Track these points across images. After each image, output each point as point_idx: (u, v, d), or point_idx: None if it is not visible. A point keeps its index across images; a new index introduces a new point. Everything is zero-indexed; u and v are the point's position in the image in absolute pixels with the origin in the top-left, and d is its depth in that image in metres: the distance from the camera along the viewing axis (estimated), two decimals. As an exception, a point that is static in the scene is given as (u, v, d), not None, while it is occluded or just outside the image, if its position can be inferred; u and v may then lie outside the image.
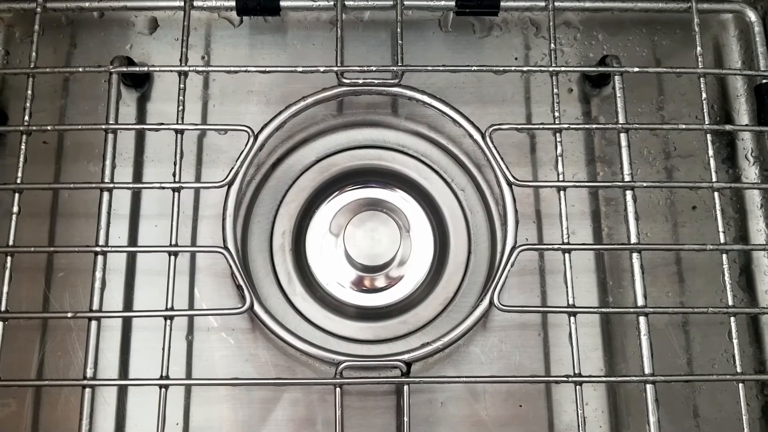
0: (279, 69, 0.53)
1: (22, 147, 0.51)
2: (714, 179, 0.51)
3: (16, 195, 0.50)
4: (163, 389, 0.48)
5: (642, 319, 0.49)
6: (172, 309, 0.49)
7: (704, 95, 0.52)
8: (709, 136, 0.52)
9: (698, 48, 0.53)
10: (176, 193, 0.51)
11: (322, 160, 0.59)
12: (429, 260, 0.58)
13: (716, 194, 0.51)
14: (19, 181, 0.50)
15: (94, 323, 0.49)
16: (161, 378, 0.48)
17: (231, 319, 0.55)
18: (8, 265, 0.49)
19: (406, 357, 0.49)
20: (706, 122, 0.52)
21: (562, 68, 0.53)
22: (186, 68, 0.53)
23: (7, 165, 0.57)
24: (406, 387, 0.48)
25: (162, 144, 0.57)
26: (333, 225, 0.58)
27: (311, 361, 0.54)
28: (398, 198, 0.59)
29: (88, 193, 0.53)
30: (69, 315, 0.49)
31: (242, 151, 0.52)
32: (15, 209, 0.50)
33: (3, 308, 0.48)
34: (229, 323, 0.55)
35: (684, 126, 0.53)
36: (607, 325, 0.56)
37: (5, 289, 0.49)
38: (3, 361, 0.49)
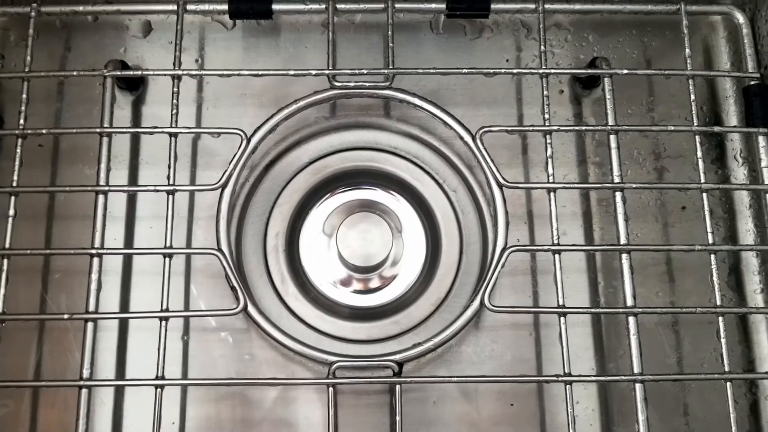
0: (271, 72, 0.54)
1: (18, 150, 0.51)
2: (703, 180, 0.52)
3: (12, 198, 0.51)
4: (158, 389, 0.48)
5: (631, 319, 0.50)
6: (167, 310, 0.50)
7: (693, 97, 0.53)
8: (698, 138, 0.53)
9: (687, 50, 0.54)
10: (170, 196, 0.51)
11: (314, 162, 0.59)
12: (421, 261, 0.59)
13: (705, 195, 0.52)
14: (15, 184, 0.51)
15: (90, 324, 0.50)
16: (157, 378, 0.48)
17: (226, 320, 0.55)
18: (5, 267, 0.50)
19: (398, 357, 0.50)
20: (695, 124, 0.53)
21: (552, 70, 0.54)
22: (179, 72, 0.53)
23: (3, 168, 0.58)
24: (398, 387, 0.49)
25: (157, 147, 0.58)
26: (326, 226, 0.59)
27: (305, 361, 0.54)
28: (390, 199, 0.60)
29: (84, 196, 0.53)
30: (65, 316, 0.50)
31: (235, 154, 0.52)
32: (11, 212, 0.50)
33: (0, 310, 0.49)
34: (225, 323, 0.55)
35: (673, 127, 0.54)
36: (598, 324, 0.56)
37: (2, 291, 0.49)
38: (1, 363, 0.49)
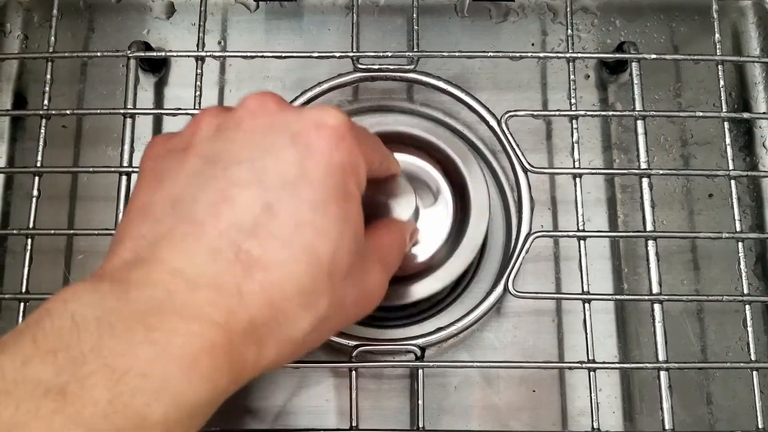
0: (295, 54, 0.53)
1: (42, 131, 0.51)
2: (731, 167, 0.51)
3: (36, 178, 0.51)
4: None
5: (657, 307, 0.49)
6: (189, 292, 0.49)
7: (722, 82, 0.52)
8: (726, 124, 0.52)
9: (716, 35, 0.53)
10: (194, 178, 0.51)
11: (338, 145, 0.59)
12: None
13: (733, 182, 0.51)
14: (38, 164, 0.51)
15: (112, 305, 0.49)
16: (179, 360, 0.48)
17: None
18: (29, 247, 0.50)
19: (420, 341, 0.50)
20: (724, 110, 0.52)
21: (579, 54, 0.53)
22: (203, 53, 0.53)
23: (26, 149, 0.58)
24: (420, 371, 0.49)
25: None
26: (348, 210, 0.58)
27: (326, 345, 0.54)
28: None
29: (107, 177, 0.53)
30: (88, 297, 0.50)
31: (259, 136, 0.52)
32: (35, 192, 0.50)
33: (24, 290, 0.49)
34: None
35: (701, 113, 0.53)
36: (622, 312, 0.56)
37: (26, 271, 0.49)
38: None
